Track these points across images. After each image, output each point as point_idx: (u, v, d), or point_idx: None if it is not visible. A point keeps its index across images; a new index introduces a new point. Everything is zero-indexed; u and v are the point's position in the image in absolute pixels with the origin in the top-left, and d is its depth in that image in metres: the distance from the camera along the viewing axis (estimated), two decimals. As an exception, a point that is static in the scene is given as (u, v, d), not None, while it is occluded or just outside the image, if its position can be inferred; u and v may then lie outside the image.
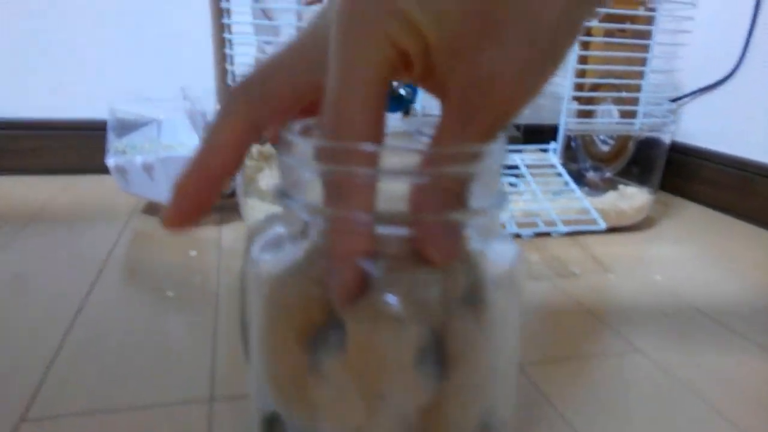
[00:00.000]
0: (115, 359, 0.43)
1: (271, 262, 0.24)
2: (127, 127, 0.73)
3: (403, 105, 0.61)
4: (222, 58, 0.63)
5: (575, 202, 0.64)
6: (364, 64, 0.19)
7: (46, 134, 0.94)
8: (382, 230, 0.21)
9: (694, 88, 0.92)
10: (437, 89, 0.21)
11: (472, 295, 0.24)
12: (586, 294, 0.57)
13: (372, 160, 0.20)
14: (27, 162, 0.94)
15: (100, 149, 0.76)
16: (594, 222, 0.58)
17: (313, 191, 0.22)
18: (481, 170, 0.22)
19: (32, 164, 0.94)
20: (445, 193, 0.21)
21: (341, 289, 0.21)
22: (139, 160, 0.67)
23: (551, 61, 0.19)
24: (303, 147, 0.22)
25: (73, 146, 0.94)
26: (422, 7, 0.18)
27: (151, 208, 0.77)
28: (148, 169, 0.66)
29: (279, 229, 0.25)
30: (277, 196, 0.23)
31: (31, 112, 0.93)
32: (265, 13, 0.61)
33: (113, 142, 0.73)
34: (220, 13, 0.61)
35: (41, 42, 0.92)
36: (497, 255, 0.25)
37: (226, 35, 0.62)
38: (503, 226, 0.58)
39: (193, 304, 0.53)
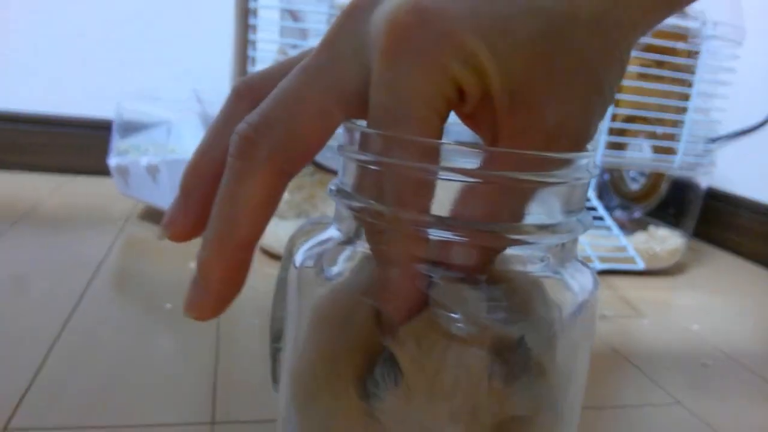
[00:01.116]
0: (105, 374, 0.40)
1: (318, 271, 0.21)
2: (133, 128, 0.70)
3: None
4: (243, 59, 0.59)
5: (611, 240, 0.60)
6: (422, 102, 0.17)
7: (43, 130, 0.90)
8: (445, 236, 0.18)
9: (732, 130, 0.89)
10: (484, 129, 0.20)
11: (539, 325, 0.20)
12: (620, 339, 0.54)
13: (436, 156, 0.18)
14: (22, 158, 0.90)
15: (101, 149, 0.72)
16: (632, 261, 0.54)
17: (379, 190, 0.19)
18: (561, 181, 0.19)
19: (28, 160, 0.90)
20: (495, 201, 0.19)
21: (398, 301, 0.18)
22: (143, 161, 0.62)
23: (608, 106, 0.19)
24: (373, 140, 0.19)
25: (71, 144, 0.91)
26: (491, 49, 0.16)
27: (149, 214, 0.73)
28: (152, 171, 0.62)
29: (331, 234, 0.22)
30: (336, 196, 0.20)
31: (30, 106, 0.90)
32: (292, 15, 0.57)
33: (117, 142, 0.68)
34: (246, 13, 0.58)
35: (49, 36, 0.89)
36: (572, 284, 0.22)
37: (251, 36, 0.59)
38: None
39: (193, 320, 0.48)
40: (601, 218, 0.63)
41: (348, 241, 0.21)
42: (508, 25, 0.16)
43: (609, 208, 0.83)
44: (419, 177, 0.18)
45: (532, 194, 0.19)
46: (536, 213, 0.20)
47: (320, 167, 0.74)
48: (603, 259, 0.56)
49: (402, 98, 0.17)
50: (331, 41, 0.18)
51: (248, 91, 0.20)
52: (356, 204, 0.19)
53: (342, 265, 0.21)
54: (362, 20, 0.18)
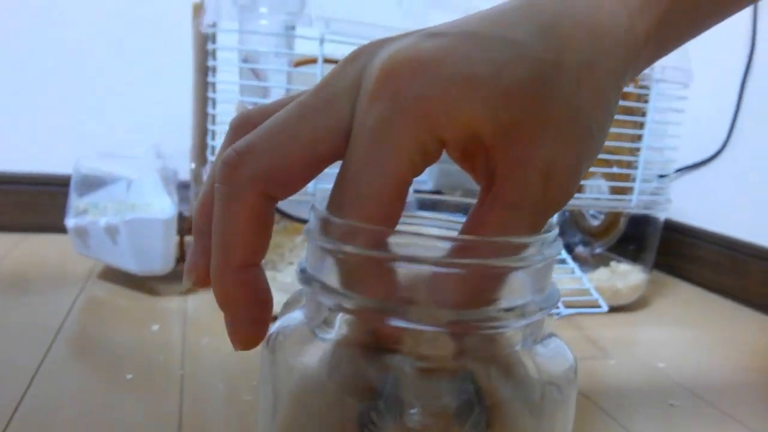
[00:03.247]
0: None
1: (292, 354, 0.21)
2: (92, 184, 0.68)
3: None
4: (203, 116, 0.59)
5: (574, 281, 0.61)
6: (398, 151, 0.18)
7: (-1, 188, 0.87)
8: (408, 325, 0.19)
9: (685, 164, 0.92)
10: (479, 170, 0.20)
11: (510, 408, 0.20)
12: (588, 383, 0.54)
13: (384, 242, 0.18)
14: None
15: (59, 206, 0.70)
16: (596, 304, 0.55)
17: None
18: (526, 264, 0.20)
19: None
20: (470, 287, 0.19)
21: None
22: (102, 221, 0.61)
23: (598, 149, 0.20)
24: (333, 225, 0.20)
25: (28, 202, 0.88)
26: (481, 96, 0.17)
27: (109, 273, 0.71)
28: (111, 231, 0.60)
29: (299, 315, 0.22)
30: (301, 280, 0.20)
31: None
32: (255, 74, 0.58)
33: (74, 201, 0.67)
34: (204, 71, 0.58)
35: (3, 90, 0.86)
36: (546, 363, 0.22)
37: (210, 94, 0.58)
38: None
39: (155, 389, 0.47)
40: (563, 261, 0.64)
41: (321, 325, 0.21)
42: (500, 71, 0.17)
43: (572, 244, 0.85)
44: (377, 266, 0.18)
45: (502, 278, 0.19)
46: (504, 295, 0.20)
47: (285, 215, 0.74)
48: (567, 304, 0.56)
49: (378, 143, 0.18)
50: (330, 82, 0.19)
51: (245, 125, 0.20)
52: (322, 291, 0.19)
53: (308, 352, 0.21)
54: (361, 65, 0.19)
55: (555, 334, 0.24)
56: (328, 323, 0.21)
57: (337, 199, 0.19)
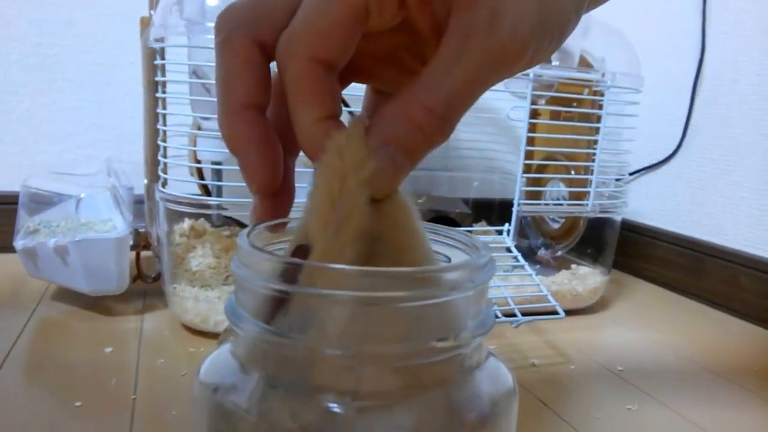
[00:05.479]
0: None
1: (220, 391, 0.21)
2: (41, 203, 0.66)
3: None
4: (153, 132, 0.58)
5: (532, 289, 0.62)
6: None
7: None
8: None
9: (640, 166, 0.94)
10: (432, 21, 0.20)
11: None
12: (548, 389, 0.54)
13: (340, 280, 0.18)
14: None
15: (10, 225, 0.68)
16: (553, 311, 0.55)
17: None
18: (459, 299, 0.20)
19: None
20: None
21: None
22: (51, 242, 0.59)
23: (557, 23, 0.19)
24: (261, 260, 0.19)
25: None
26: None
27: (63, 294, 0.69)
28: (61, 252, 0.58)
29: (229, 350, 0.21)
30: (229, 316, 0.20)
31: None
32: (206, 88, 0.57)
33: (24, 221, 0.65)
34: (153, 86, 0.57)
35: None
36: (484, 385, 0.22)
37: (159, 110, 0.57)
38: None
39: (105, 416, 0.46)
40: (522, 267, 0.64)
41: (249, 365, 0.20)
42: None
43: (534, 247, 0.85)
44: (300, 302, 0.18)
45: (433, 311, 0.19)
46: (437, 326, 0.20)
47: (246, 227, 0.73)
48: (525, 311, 0.57)
49: None
50: None
51: None
52: (245, 327, 0.19)
53: (237, 389, 0.20)
54: None
55: (493, 354, 0.24)
56: (257, 361, 0.20)
57: (286, 33, 0.20)
